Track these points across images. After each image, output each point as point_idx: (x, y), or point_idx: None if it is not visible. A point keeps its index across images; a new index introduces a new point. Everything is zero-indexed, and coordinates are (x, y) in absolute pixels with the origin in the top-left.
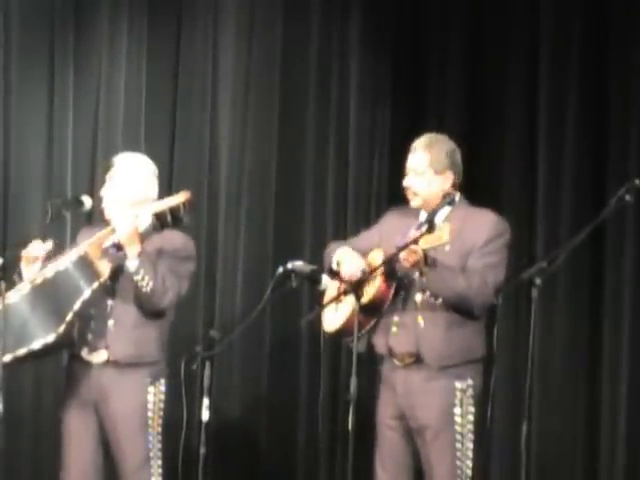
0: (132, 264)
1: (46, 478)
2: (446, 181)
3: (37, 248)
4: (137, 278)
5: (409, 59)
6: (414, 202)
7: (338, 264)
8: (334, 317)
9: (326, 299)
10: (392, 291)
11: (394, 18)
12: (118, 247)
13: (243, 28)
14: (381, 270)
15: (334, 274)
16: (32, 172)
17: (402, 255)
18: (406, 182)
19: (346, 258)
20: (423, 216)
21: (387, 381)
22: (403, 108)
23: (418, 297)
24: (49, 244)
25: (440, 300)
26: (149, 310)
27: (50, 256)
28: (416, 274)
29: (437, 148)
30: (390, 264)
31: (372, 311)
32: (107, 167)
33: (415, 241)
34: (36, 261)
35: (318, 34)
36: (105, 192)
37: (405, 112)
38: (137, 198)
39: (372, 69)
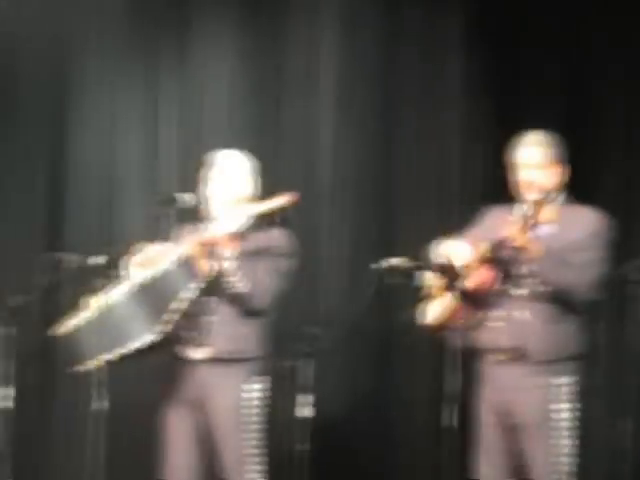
0: (229, 265)
1: (147, 474)
2: (563, 174)
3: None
4: (233, 279)
5: (510, 57)
6: (535, 196)
7: (445, 257)
8: (435, 310)
9: (427, 295)
10: (496, 280)
11: (497, 15)
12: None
13: (345, 26)
14: (486, 259)
15: (439, 268)
16: (136, 171)
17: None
18: (527, 176)
19: (452, 248)
20: (525, 211)
21: (487, 377)
22: (502, 107)
23: (522, 291)
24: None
25: (546, 289)
26: (247, 310)
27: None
28: (522, 268)
29: (552, 142)
30: (495, 253)
31: (475, 301)
32: (207, 165)
33: (521, 232)
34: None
35: (420, 32)
36: (208, 192)
37: (504, 111)
38: (240, 196)
39: (473, 67)
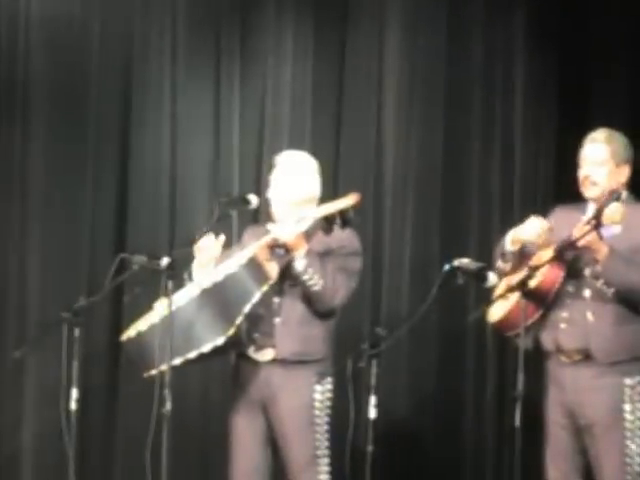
0: (300, 264)
1: (213, 476)
2: (623, 174)
3: (210, 245)
4: (306, 278)
5: (575, 57)
6: (591, 192)
7: (513, 243)
8: (500, 309)
9: (493, 295)
10: (560, 280)
11: (559, 16)
12: (285, 248)
13: (408, 27)
14: (551, 259)
15: (509, 256)
16: (199, 172)
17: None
18: (586, 171)
19: (520, 227)
20: (591, 211)
21: (555, 378)
22: (569, 107)
23: (587, 292)
24: (221, 239)
25: (612, 290)
26: (321, 309)
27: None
28: (586, 269)
29: (617, 141)
30: (560, 254)
31: (538, 299)
32: (271, 167)
33: (585, 236)
34: (210, 262)
35: (483, 32)
36: (271, 194)
37: (571, 111)
38: (302, 197)
39: (538, 67)
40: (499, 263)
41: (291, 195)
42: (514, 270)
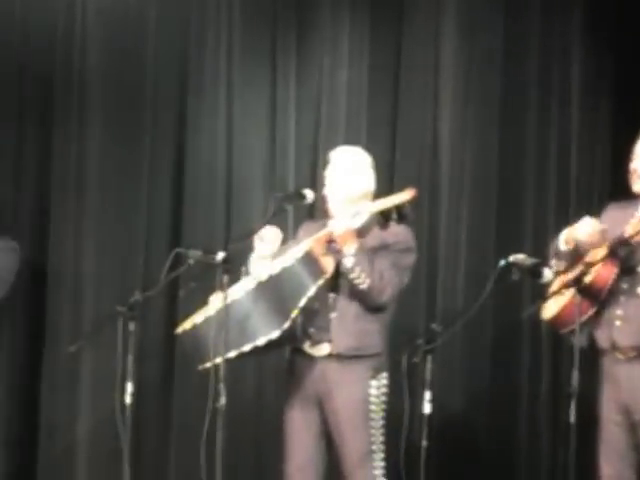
0: (348, 262)
1: (268, 469)
2: None
3: (272, 236)
4: (353, 276)
5: (632, 57)
6: (638, 186)
7: (566, 242)
8: (554, 306)
9: (548, 291)
10: (613, 276)
11: (615, 14)
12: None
13: (464, 27)
14: (604, 254)
15: (563, 255)
16: (254, 170)
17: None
18: (634, 165)
19: (574, 227)
20: None
21: (610, 376)
22: (625, 106)
23: None
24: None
25: None
26: (368, 306)
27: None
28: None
29: None
30: (614, 250)
31: (592, 296)
32: (325, 163)
33: (639, 232)
34: (270, 254)
35: (539, 32)
36: (326, 191)
37: (627, 110)
38: (357, 193)
39: (594, 66)
40: (553, 262)
41: (346, 192)
42: (568, 269)
